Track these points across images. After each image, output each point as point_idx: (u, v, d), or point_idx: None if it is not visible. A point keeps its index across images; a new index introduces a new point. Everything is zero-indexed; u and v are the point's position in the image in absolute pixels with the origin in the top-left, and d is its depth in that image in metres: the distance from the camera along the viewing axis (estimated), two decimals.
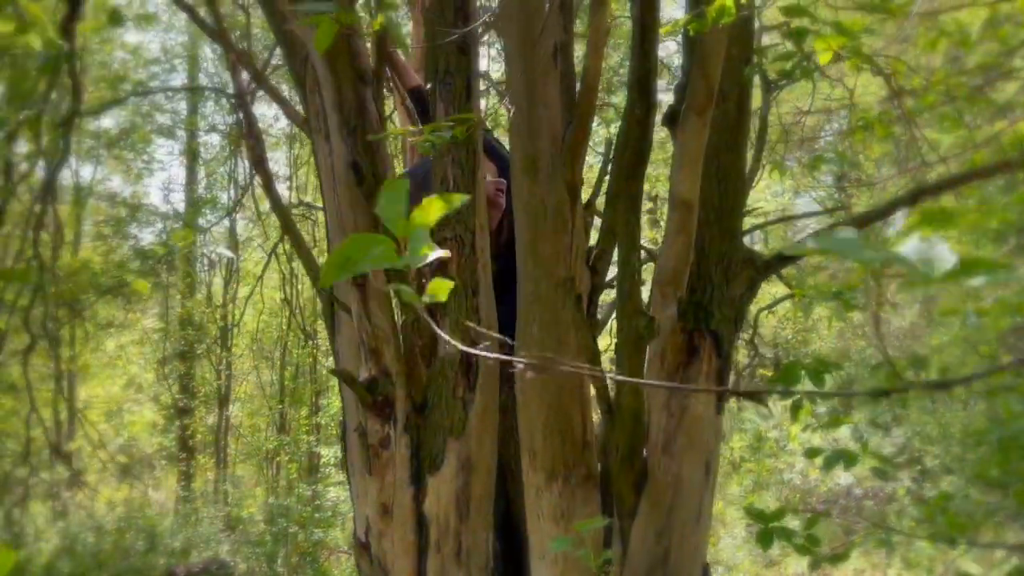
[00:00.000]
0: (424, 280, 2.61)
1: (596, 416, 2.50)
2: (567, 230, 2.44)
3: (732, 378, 2.70)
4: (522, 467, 2.48)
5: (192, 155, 13.37)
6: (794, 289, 5.00)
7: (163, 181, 12.72)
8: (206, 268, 13.15)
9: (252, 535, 9.12)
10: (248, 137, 3.80)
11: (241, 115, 3.88)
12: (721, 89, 2.40)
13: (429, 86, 2.67)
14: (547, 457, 2.39)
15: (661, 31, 2.01)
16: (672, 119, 2.40)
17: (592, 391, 2.42)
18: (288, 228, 3.37)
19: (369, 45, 2.85)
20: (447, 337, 1.30)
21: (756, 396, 2.53)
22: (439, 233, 2.59)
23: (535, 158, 2.45)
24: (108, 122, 12.89)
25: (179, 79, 13.02)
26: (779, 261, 2.42)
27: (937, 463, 11.52)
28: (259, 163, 3.52)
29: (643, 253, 4.03)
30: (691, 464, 2.25)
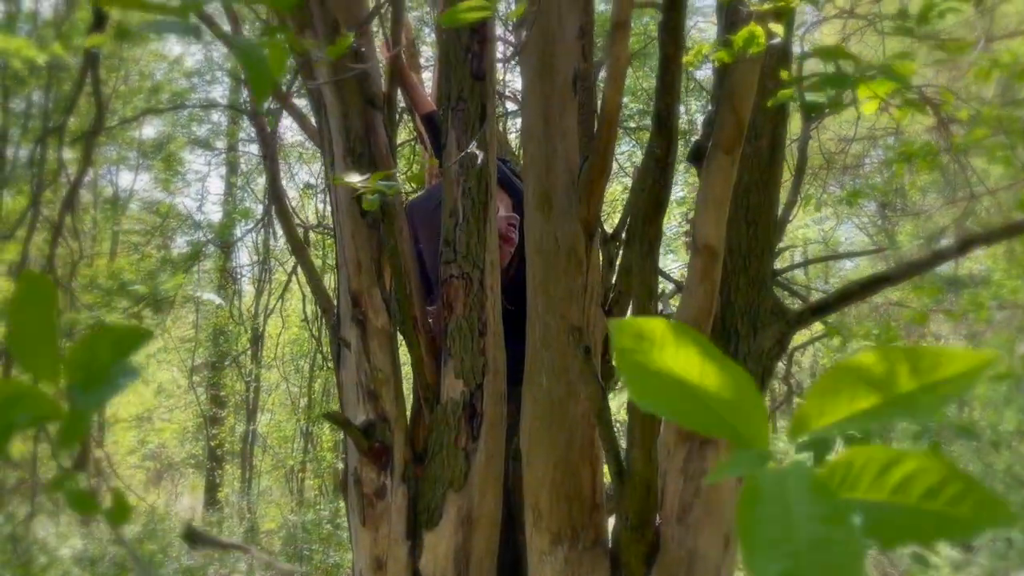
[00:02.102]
0: (446, 315, 2.44)
1: (608, 475, 2.30)
2: (581, 270, 2.25)
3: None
4: (525, 528, 2.29)
5: (230, 167, 13.42)
6: (829, 328, 4.74)
7: (198, 192, 12.71)
8: (240, 277, 13.17)
9: (274, 552, 9.01)
10: (263, 156, 3.68)
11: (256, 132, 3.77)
12: (753, 125, 2.21)
13: (441, 112, 2.51)
14: (553, 518, 2.20)
15: (684, 61, 1.82)
16: (698, 155, 2.21)
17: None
18: (297, 251, 3.23)
19: (382, 68, 2.71)
20: None
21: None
22: (445, 271, 2.43)
23: (549, 193, 2.27)
24: (149, 131, 13.00)
25: (220, 91, 13.08)
26: (812, 313, 2.20)
27: None
28: (273, 182, 3.39)
29: (669, 284, 3.82)
30: (709, 537, 2.05)
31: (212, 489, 13.49)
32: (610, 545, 2.25)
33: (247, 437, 13.39)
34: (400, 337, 2.56)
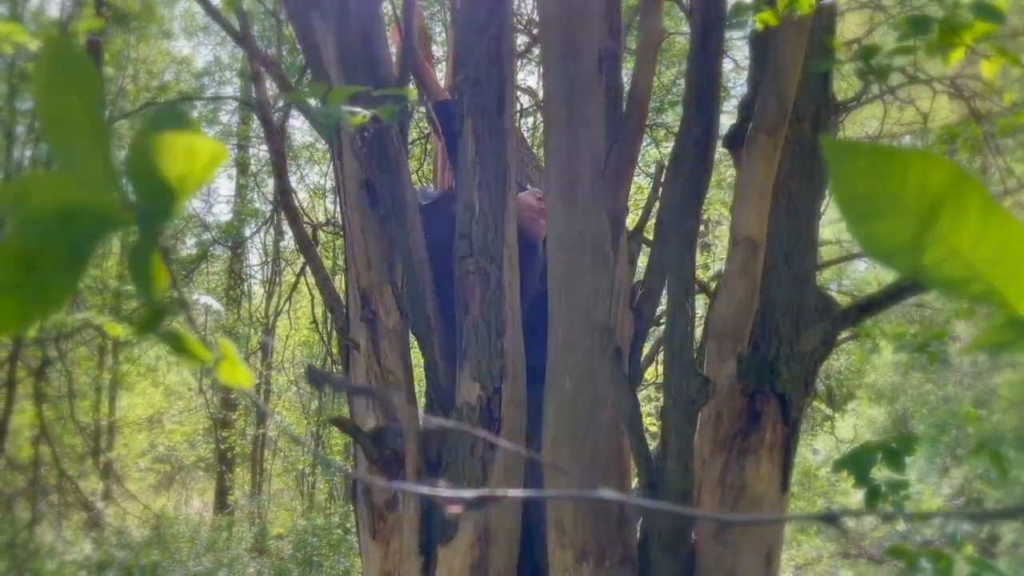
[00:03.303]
0: (461, 314, 2.28)
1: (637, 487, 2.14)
2: (608, 267, 2.09)
3: None
4: (548, 543, 2.13)
5: (240, 168, 13.31)
6: (858, 330, 4.55)
7: (207, 194, 12.57)
8: (249, 278, 13.04)
9: (283, 557, 8.88)
10: (269, 150, 3.54)
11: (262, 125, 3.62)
12: (794, 107, 2.04)
13: (455, 98, 2.36)
14: (577, 534, 2.03)
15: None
16: (734, 141, 2.05)
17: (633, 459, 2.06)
18: (304, 248, 3.08)
19: (393, 51, 2.56)
20: None
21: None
22: (460, 267, 2.27)
23: (573, 184, 2.11)
24: None
25: (230, 91, 12.98)
26: (860, 311, 2.03)
27: (1000, 507, 10.80)
28: (280, 176, 3.24)
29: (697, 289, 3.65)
30: (748, 555, 1.88)
31: (223, 492, 13.38)
32: (639, 563, 2.09)
33: (255, 441, 13.29)
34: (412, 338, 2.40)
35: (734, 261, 1.87)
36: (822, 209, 3.16)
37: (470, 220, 2.26)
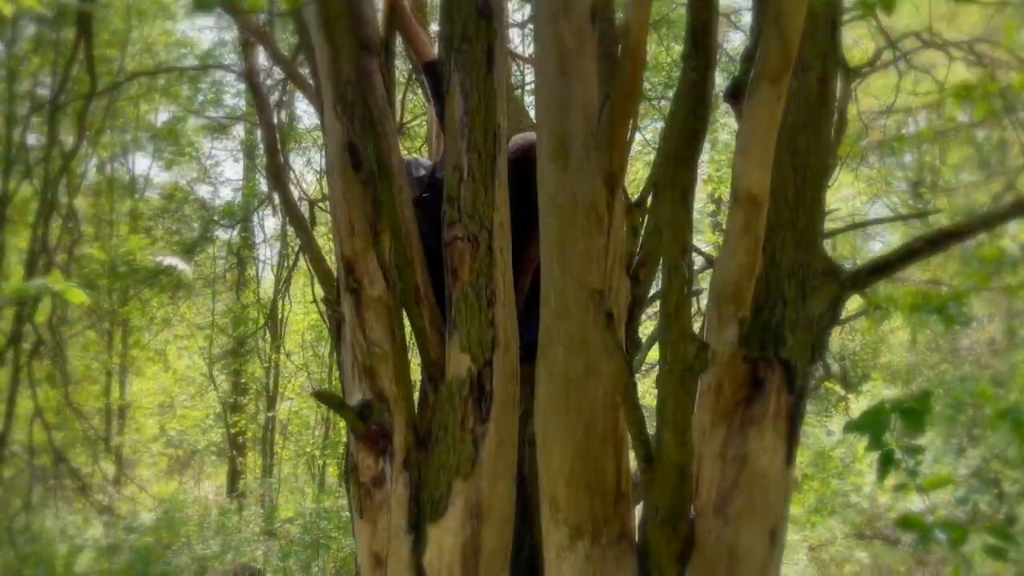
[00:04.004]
0: (450, 281, 2.17)
1: (634, 461, 2.03)
2: (602, 230, 1.97)
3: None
4: (541, 521, 2.03)
5: (247, 152, 13.19)
6: (869, 299, 4.41)
7: (215, 177, 12.49)
8: (256, 260, 12.96)
9: (291, 539, 8.85)
10: (260, 121, 3.43)
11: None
12: (800, 59, 1.91)
13: (443, 55, 2.24)
14: (571, 510, 1.93)
15: None
16: (737, 94, 1.93)
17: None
18: (297, 223, 2.98)
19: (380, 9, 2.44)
20: None
21: None
22: (448, 232, 2.16)
23: (565, 142, 2.00)
24: (164, 116, 12.80)
25: (232, 77, 12.84)
26: (870, 274, 1.91)
27: (1017, 487, 10.64)
28: (271, 151, 3.14)
29: (697, 259, 3.53)
30: (751, 530, 1.77)
31: (235, 476, 13.38)
32: (638, 540, 1.99)
33: (267, 424, 13.26)
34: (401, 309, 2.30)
35: (735, 220, 1.76)
36: (831, 181, 3.03)
37: (458, 183, 2.15)
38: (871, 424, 1.60)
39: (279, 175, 3.00)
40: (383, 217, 2.20)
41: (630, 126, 1.99)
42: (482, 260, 2.13)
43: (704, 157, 9.87)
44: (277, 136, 3.13)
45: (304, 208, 5.28)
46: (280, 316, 11.44)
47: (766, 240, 1.84)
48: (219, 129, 12.82)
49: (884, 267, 1.90)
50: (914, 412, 1.61)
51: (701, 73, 1.45)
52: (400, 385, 2.16)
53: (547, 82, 2.04)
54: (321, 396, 2.14)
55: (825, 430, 12.48)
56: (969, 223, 1.90)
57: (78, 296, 1.73)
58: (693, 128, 1.49)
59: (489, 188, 2.14)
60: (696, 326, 1.75)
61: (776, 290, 1.85)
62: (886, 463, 1.65)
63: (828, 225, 3.00)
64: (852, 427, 1.56)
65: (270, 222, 11.55)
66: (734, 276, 1.76)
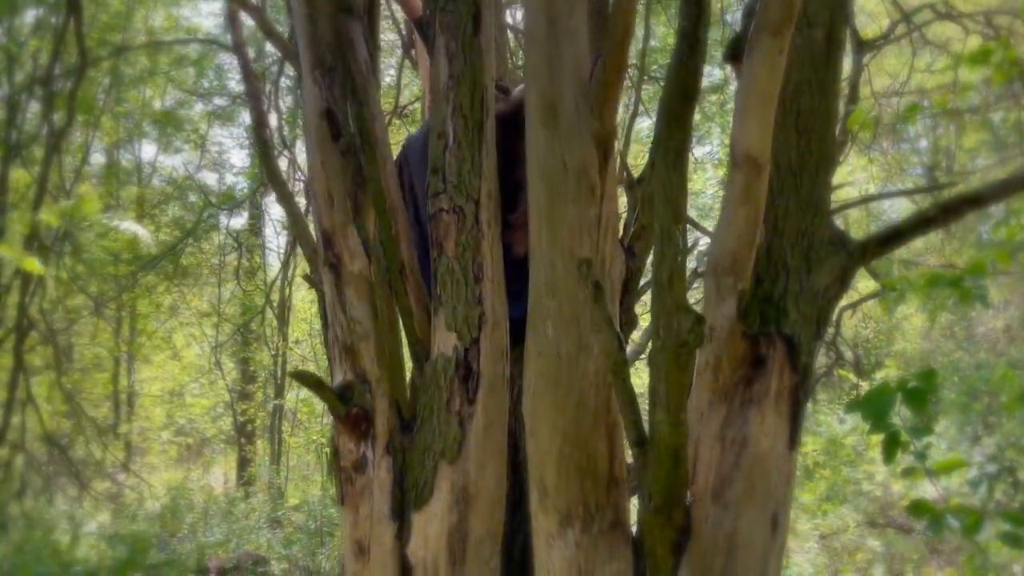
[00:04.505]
0: (435, 255, 2.06)
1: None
2: (594, 198, 1.86)
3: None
4: (531, 507, 1.92)
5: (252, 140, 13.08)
6: (883, 281, 4.24)
7: (216, 161, 12.41)
8: (267, 249, 12.89)
9: (297, 527, 8.80)
10: (245, 92, 3.32)
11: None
12: (805, 11, 1.79)
13: (427, 15, 2.12)
14: (561, 496, 1.82)
15: None
16: (737, 52, 1.80)
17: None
18: (284, 199, 2.88)
19: None
20: None
21: None
22: (433, 204, 2.04)
23: (555, 104, 1.87)
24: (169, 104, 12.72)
25: (237, 64, 12.72)
26: (880, 244, 1.79)
27: None
28: (257, 123, 3.03)
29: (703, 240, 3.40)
30: (752, 517, 1.65)
31: (244, 464, 13.35)
32: (633, 529, 1.88)
33: (274, 412, 13.22)
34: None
35: (734, 184, 1.63)
36: (841, 157, 2.88)
37: (443, 150, 2.03)
38: (873, 405, 1.48)
39: (266, 148, 2.89)
40: (366, 190, 2.08)
41: (622, 83, 1.87)
42: (468, 233, 2.01)
43: (715, 141, 9.70)
44: (264, 109, 3.02)
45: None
46: (286, 303, 11.37)
47: (768, 207, 1.72)
48: (225, 116, 12.73)
49: (897, 236, 1.77)
50: (919, 392, 1.49)
51: (694, 22, 1.32)
52: (383, 365, 2.05)
53: (536, 42, 1.91)
54: (299, 376, 2.03)
55: (837, 418, 12.32)
56: (987, 189, 1.77)
57: (32, 265, 1.64)
58: (686, 80, 1.36)
59: (476, 156, 2.02)
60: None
61: (779, 260, 1.72)
62: (891, 444, 1.53)
63: (838, 203, 2.86)
64: (854, 407, 1.44)
65: (277, 209, 11.42)
66: (733, 245, 1.64)
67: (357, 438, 2.03)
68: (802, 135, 1.75)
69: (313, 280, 2.24)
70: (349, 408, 2.02)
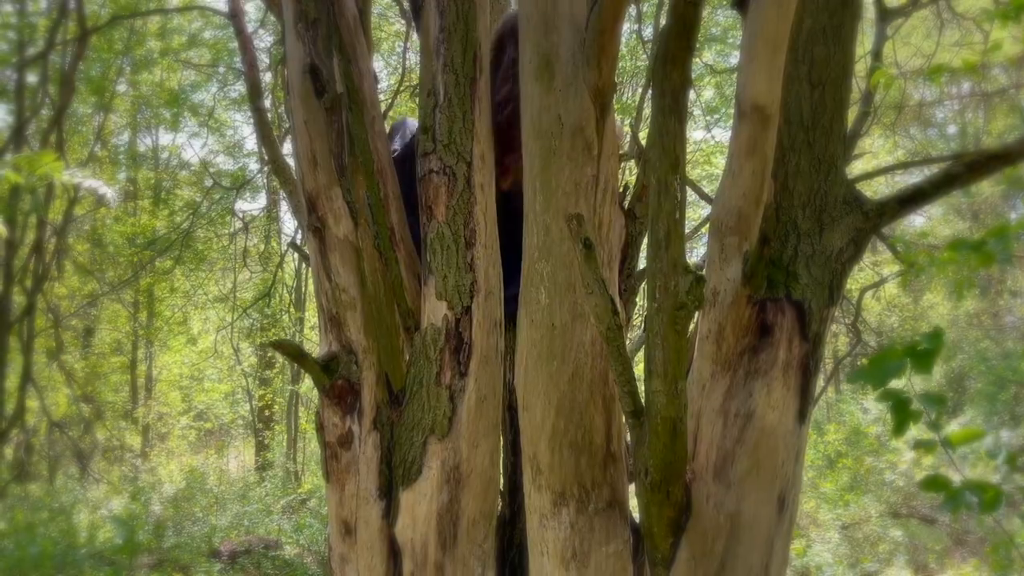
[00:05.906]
0: (424, 219, 1.95)
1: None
2: (591, 156, 1.74)
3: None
4: (524, 483, 1.81)
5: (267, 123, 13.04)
6: (904, 256, 4.08)
7: (235, 149, 12.37)
8: (287, 235, 12.86)
9: (310, 511, 8.78)
10: (243, 61, 3.23)
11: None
12: None
13: None
14: (555, 473, 1.71)
15: None
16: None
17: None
18: (277, 168, 2.78)
19: None
20: None
21: None
22: (423, 165, 1.93)
23: (550, 57, 1.75)
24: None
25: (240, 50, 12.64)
26: (900, 204, 1.65)
27: None
28: (253, 94, 2.93)
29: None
30: (757, 496, 1.53)
31: (262, 450, 13.38)
32: (632, 508, 1.77)
33: (291, 398, 13.22)
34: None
35: (740, 137, 1.51)
36: (864, 129, 2.73)
37: (433, 109, 1.92)
38: (877, 370, 1.34)
39: (261, 115, 2.80)
40: (353, 151, 1.97)
41: (619, 31, 1.74)
42: (460, 196, 1.90)
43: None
44: (259, 77, 2.92)
45: None
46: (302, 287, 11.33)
47: (778, 164, 1.59)
48: (242, 102, 12.66)
49: (918, 196, 1.63)
50: (925, 353, 1.35)
51: None
52: (369, 335, 1.95)
53: None
54: (278, 346, 1.93)
55: (860, 407, 12.10)
56: (1015, 145, 1.63)
57: None
58: (685, 21, 1.24)
59: (468, 115, 1.91)
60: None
61: (788, 220, 1.60)
62: (900, 414, 1.39)
63: (859, 174, 2.71)
64: (859, 376, 1.31)
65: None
66: (738, 202, 1.51)
67: (342, 411, 1.92)
68: (815, 87, 1.62)
69: (301, 248, 2.14)
70: (334, 380, 1.92)
